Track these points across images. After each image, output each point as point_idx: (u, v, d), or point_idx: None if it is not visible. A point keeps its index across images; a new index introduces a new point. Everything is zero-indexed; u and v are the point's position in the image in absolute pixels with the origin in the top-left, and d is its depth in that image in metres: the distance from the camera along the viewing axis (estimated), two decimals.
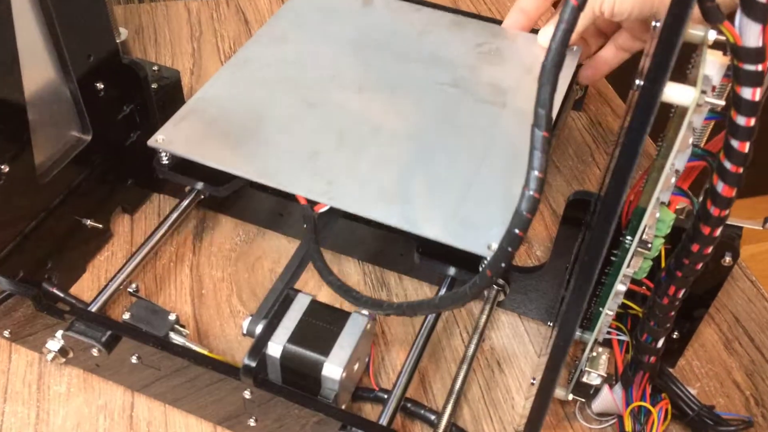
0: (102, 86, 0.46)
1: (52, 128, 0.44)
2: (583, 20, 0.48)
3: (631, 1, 0.46)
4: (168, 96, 0.53)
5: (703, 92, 0.26)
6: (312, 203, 0.42)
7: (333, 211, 0.42)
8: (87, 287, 0.48)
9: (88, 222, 0.48)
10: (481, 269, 0.36)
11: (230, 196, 0.52)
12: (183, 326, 0.41)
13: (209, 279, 0.49)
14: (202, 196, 0.49)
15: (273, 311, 0.38)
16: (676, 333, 0.43)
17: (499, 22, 0.55)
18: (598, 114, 0.63)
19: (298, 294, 0.39)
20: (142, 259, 0.45)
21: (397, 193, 0.42)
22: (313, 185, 0.42)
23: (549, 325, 0.46)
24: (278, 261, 0.50)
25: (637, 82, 0.29)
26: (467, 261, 0.41)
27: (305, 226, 0.42)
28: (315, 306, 0.39)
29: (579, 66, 0.54)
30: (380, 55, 0.52)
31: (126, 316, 0.40)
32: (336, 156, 0.44)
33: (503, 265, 0.30)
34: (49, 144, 0.44)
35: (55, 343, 0.41)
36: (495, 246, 0.39)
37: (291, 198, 0.51)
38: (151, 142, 0.44)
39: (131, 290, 0.42)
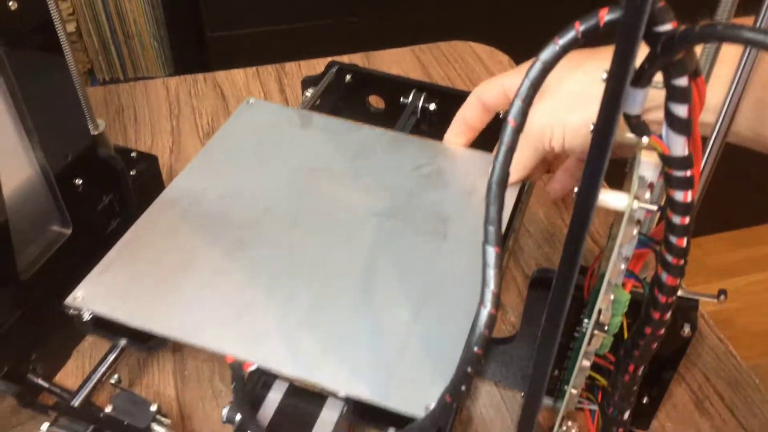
0: (80, 182, 0.47)
1: (32, 226, 0.46)
2: (532, 157, 0.48)
3: (582, 138, 0.46)
4: (146, 182, 0.54)
5: (637, 198, 0.28)
6: (240, 362, 0.40)
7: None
8: (72, 374, 0.49)
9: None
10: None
11: None
12: (165, 415, 0.42)
13: (192, 360, 0.50)
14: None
15: (251, 398, 0.40)
16: (645, 398, 0.45)
17: (461, 95, 0.57)
18: None
19: (276, 380, 0.41)
20: (126, 348, 0.46)
21: (328, 350, 0.40)
22: (239, 344, 0.40)
23: (522, 396, 0.47)
24: None
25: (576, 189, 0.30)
26: (407, 421, 0.38)
27: (233, 386, 0.40)
28: (293, 391, 0.40)
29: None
30: (316, 183, 0.51)
31: (108, 408, 0.41)
32: (265, 309, 0.42)
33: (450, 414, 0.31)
34: (29, 241, 0.46)
35: None
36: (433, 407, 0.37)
37: None
38: (68, 301, 0.42)
39: (113, 382, 0.43)
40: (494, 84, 0.53)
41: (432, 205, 0.49)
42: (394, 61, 0.80)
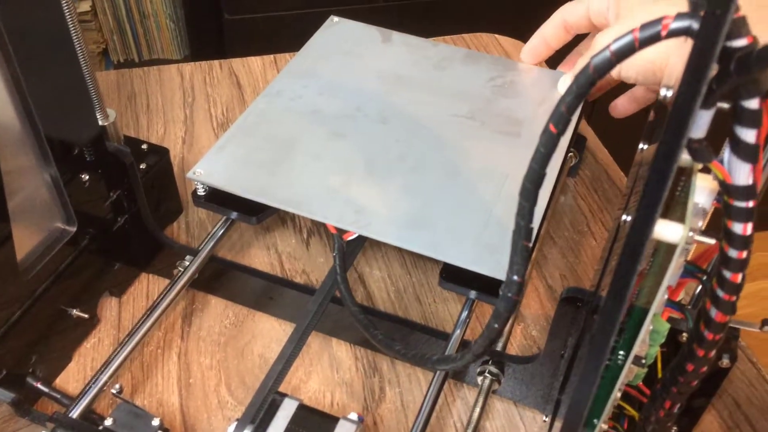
0: (86, 177, 0.45)
1: (35, 222, 0.43)
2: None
3: (635, 69, 0.47)
4: (157, 176, 0.52)
5: (692, 230, 0.25)
6: (341, 231, 0.45)
7: (359, 240, 0.45)
8: (73, 377, 0.47)
9: (74, 312, 0.47)
10: (472, 344, 0.37)
11: (220, 278, 0.52)
12: (167, 430, 0.40)
13: (197, 366, 0.48)
14: (192, 279, 0.48)
15: (259, 418, 0.37)
16: (674, 429, 0.42)
17: None
18: (594, 181, 0.62)
19: (285, 398, 0.38)
20: (129, 353, 0.44)
21: (420, 220, 0.45)
22: (342, 214, 0.45)
23: (545, 420, 0.45)
24: (268, 345, 0.49)
25: (624, 217, 0.28)
26: (487, 284, 0.43)
27: (333, 254, 0.44)
28: (302, 412, 0.38)
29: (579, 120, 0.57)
30: (401, 88, 0.55)
31: (108, 422, 0.39)
32: (363, 185, 0.47)
33: (486, 347, 0.33)
34: (31, 238, 0.43)
35: None
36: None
37: (280, 282, 0.51)
38: (189, 175, 0.47)
39: (114, 391, 0.41)
40: (580, 5, 0.53)
41: (506, 110, 0.53)
42: None
